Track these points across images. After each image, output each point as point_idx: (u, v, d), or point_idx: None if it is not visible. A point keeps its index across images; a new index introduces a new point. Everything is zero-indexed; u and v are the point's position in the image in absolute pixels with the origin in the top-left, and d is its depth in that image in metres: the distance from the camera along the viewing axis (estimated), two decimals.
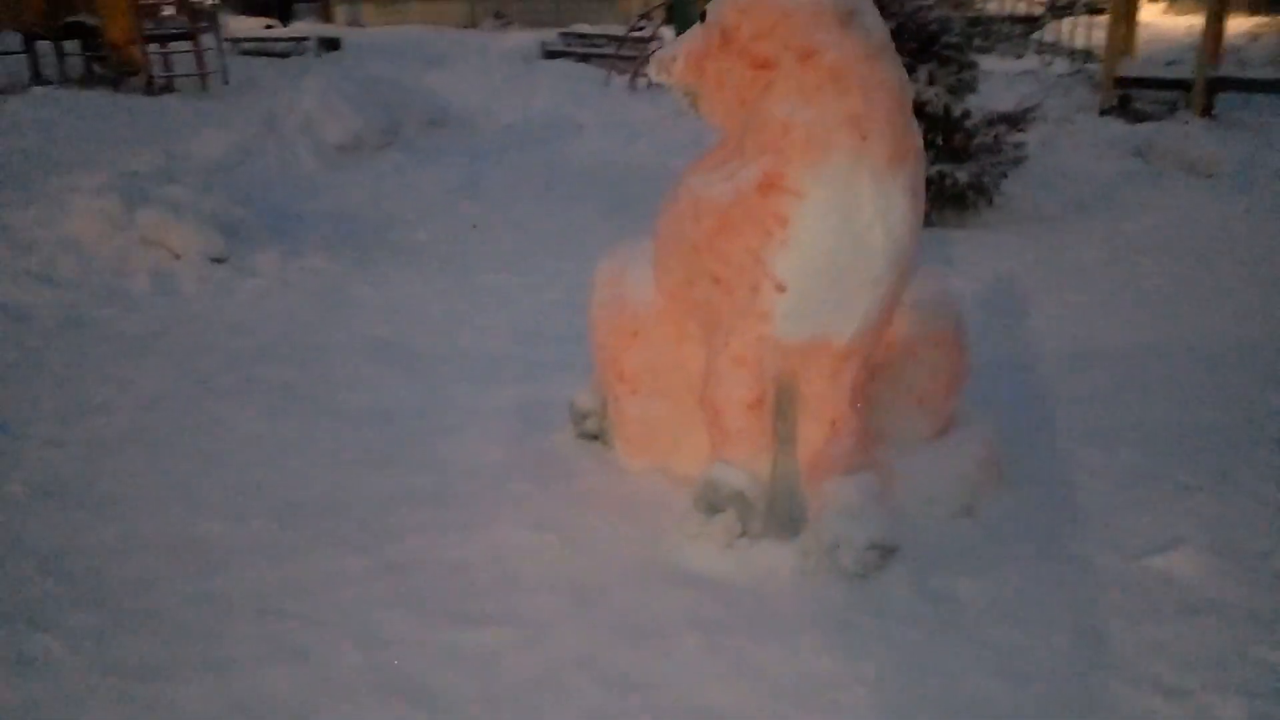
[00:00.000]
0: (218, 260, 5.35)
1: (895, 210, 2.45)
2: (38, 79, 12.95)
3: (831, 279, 2.47)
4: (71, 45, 13.23)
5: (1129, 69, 9.94)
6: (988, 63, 12.93)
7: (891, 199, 2.43)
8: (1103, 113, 9.59)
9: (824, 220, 2.41)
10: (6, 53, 13.02)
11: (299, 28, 24.20)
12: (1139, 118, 9.33)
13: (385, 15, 27.06)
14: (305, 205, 6.69)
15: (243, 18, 26.74)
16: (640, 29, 13.89)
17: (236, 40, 17.06)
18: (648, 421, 2.96)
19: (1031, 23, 14.67)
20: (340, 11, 28.10)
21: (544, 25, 21.39)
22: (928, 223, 5.73)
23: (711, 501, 2.64)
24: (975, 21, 6.20)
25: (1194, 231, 5.76)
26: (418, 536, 2.75)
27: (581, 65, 13.72)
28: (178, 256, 5.34)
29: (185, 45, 13.09)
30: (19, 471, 3.18)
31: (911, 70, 5.85)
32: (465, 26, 25.55)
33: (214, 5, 22.10)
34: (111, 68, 12.79)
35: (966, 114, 5.85)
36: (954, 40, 6.07)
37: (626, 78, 12.01)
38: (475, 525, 2.79)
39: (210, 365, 4.10)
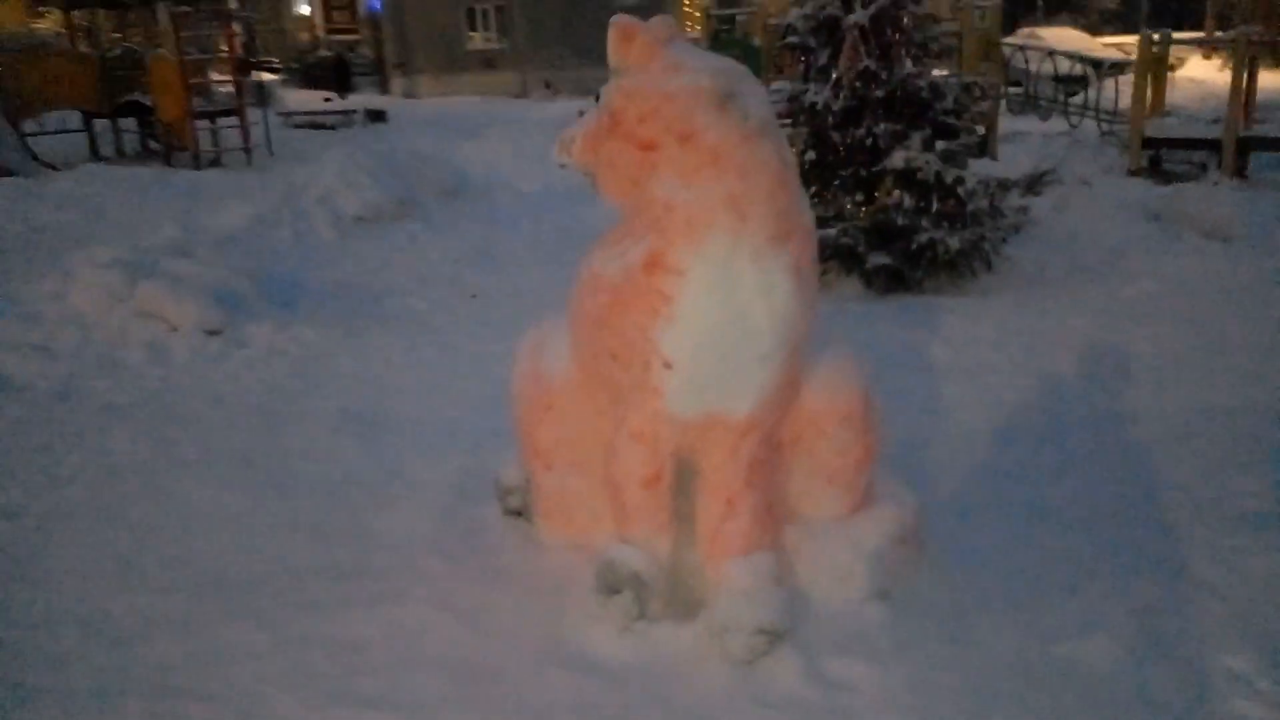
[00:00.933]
0: (212, 332, 5.50)
1: (778, 289, 2.43)
2: (95, 155, 13.61)
3: (717, 356, 2.46)
4: (128, 122, 13.91)
5: (1162, 129, 9.79)
6: (1025, 123, 12.91)
7: (773, 277, 2.42)
8: (1132, 174, 9.44)
9: (706, 298, 2.40)
10: (67, 130, 13.70)
11: (355, 100, 25.03)
12: (1169, 179, 9.16)
13: (440, 86, 27.90)
14: (314, 275, 6.86)
15: (303, 91, 27.84)
16: None
17: (289, 114, 17.71)
18: (564, 496, 2.94)
19: (1076, 83, 14.58)
20: (397, 84, 29.07)
21: (591, 95, 21.82)
22: (918, 290, 5.75)
23: (609, 582, 2.60)
24: (969, 89, 6.15)
25: (1196, 297, 5.60)
26: (324, 612, 2.76)
27: None
28: (175, 329, 5.50)
29: (235, 120, 13.64)
30: None
31: (904, 137, 5.86)
32: (517, 96, 26.28)
33: (268, 82, 23.07)
34: (163, 143, 13.40)
35: (960, 180, 5.80)
36: (950, 107, 6.06)
37: None
38: (383, 601, 2.80)
39: (180, 435, 4.19)
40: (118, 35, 14.40)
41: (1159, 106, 10.13)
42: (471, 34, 28.41)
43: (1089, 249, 6.61)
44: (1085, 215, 7.28)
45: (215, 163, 13.14)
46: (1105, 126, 11.28)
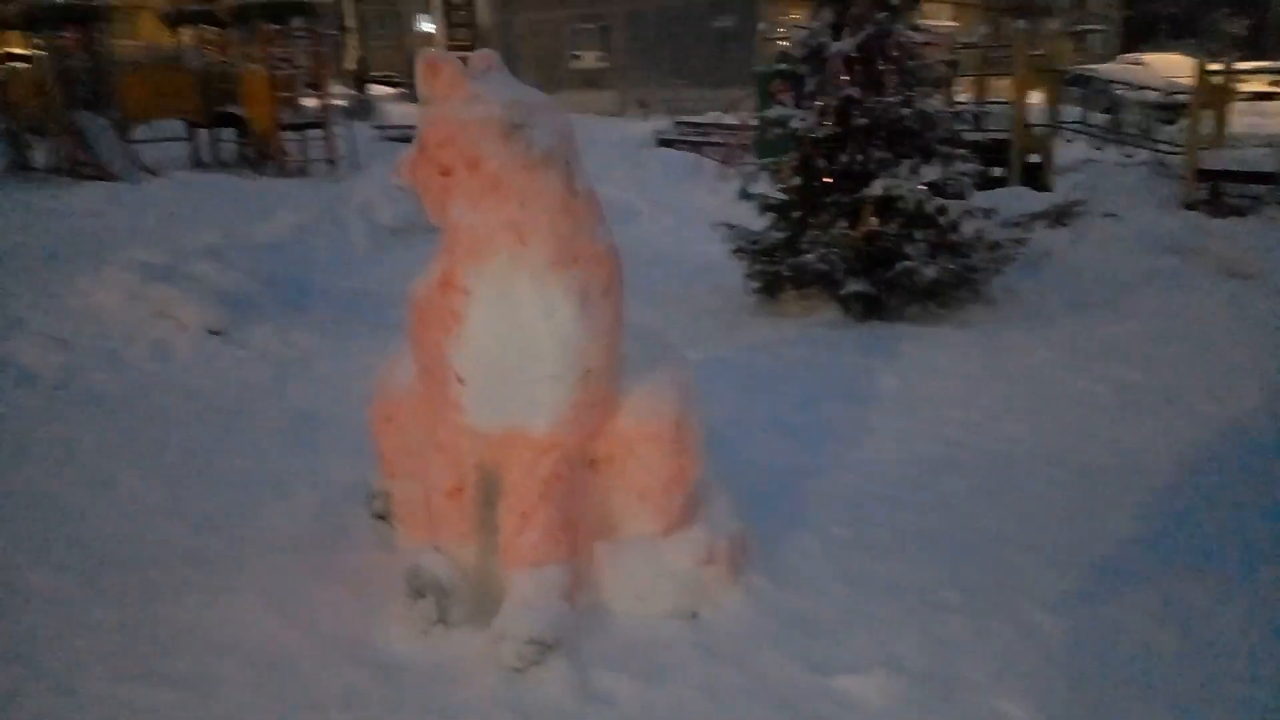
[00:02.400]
0: (215, 333, 5.87)
1: (560, 311, 2.54)
2: (197, 162, 14.53)
3: (503, 373, 2.58)
4: (228, 132, 14.78)
5: (1220, 161, 9.36)
6: (1076, 150, 12.38)
7: (554, 300, 2.53)
8: (1187, 207, 9.06)
9: (489, 317, 2.54)
10: (172, 139, 14.66)
11: None
12: (1228, 213, 8.76)
13: None
14: (337, 282, 7.21)
15: (412, 106, 28.87)
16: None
17: (384, 128, 18.45)
18: (409, 502, 3.09)
19: (1170, 111, 13.99)
20: None
21: (685, 114, 22.04)
22: (897, 318, 5.68)
23: (415, 586, 2.74)
24: (958, 117, 6.05)
25: (1180, 338, 5.37)
26: (172, 597, 2.98)
27: (682, 153, 14.13)
28: (184, 328, 5.91)
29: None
30: None
31: (890, 165, 5.82)
32: (614, 114, 26.68)
33: (375, 96, 24.04)
34: (254, 153, 14.20)
35: (941, 209, 5.72)
36: (944, 136, 5.99)
37: (725, 164, 12.32)
38: (222, 591, 3.00)
39: (145, 428, 4.52)
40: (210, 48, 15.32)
41: (1221, 137, 9.68)
42: (575, 53, 29.03)
43: (1095, 283, 6.40)
44: (1104, 249, 7.04)
45: (301, 172, 13.84)
46: (1157, 157, 10.81)
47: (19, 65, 14.48)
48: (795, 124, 5.97)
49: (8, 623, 2.89)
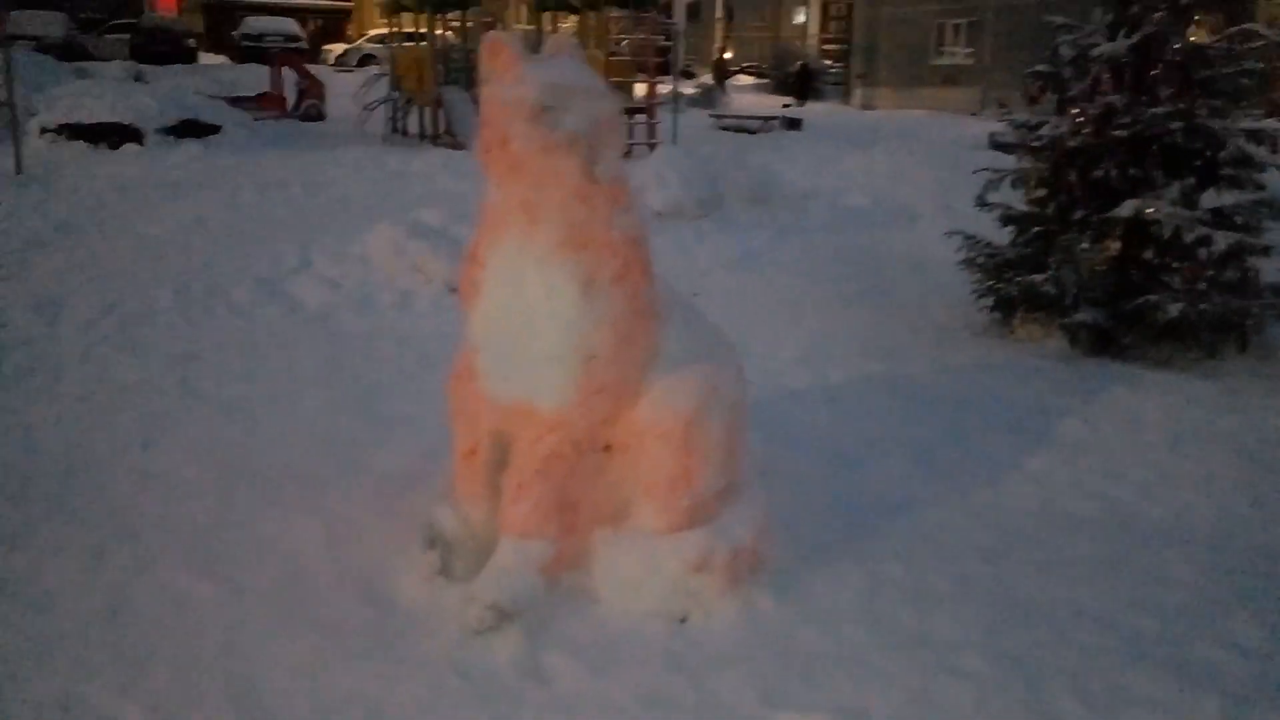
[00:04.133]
0: (454, 290, 6.43)
1: (561, 295, 2.56)
2: None
3: (509, 348, 2.66)
4: None
5: None
6: None
7: (556, 283, 2.56)
8: None
9: (498, 292, 2.63)
10: None
11: (811, 108, 25.82)
12: None
13: (897, 100, 27.78)
14: None
15: (769, 97, 29.28)
16: None
17: (719, 116, 18.92)
18: None
19: None
20: (858, 95, 29.41)
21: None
22: (1128, 357, 4.98)
23: (427, 538, 2.92)
24: (1256, 136, 5.12)
25: None
26: (257, 505, 3.39)
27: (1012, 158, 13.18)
28: (429, 282, 6.54)
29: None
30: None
31: (1153, 184, 5.12)
32: (970, 114, 25.34)
33: (714, 86, 24.59)
34: None
35: (1205, 240, 4.92)
36: (1235, 157, 5.14)
37: None
38: (299, 510, 3.34)
39: (325, 361, 5.05)
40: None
41: None
42: (940, 49, 27.86)
43: None
44: None
45: (624, 155, 14.59)
46: None
47: (409, 45, 16.50)
48: (1048, 131, 5.41)
49: (130, 507, 3.43)
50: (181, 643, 2.63)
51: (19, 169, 10.70)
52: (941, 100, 26.17)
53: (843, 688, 2.50)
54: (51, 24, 24.21)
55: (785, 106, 25.01)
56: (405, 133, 15.92)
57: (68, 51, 22.38)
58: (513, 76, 2.62)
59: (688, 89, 23.14)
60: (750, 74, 38.52)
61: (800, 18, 43.59)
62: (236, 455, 3.86)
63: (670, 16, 23.12)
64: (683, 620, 2.73)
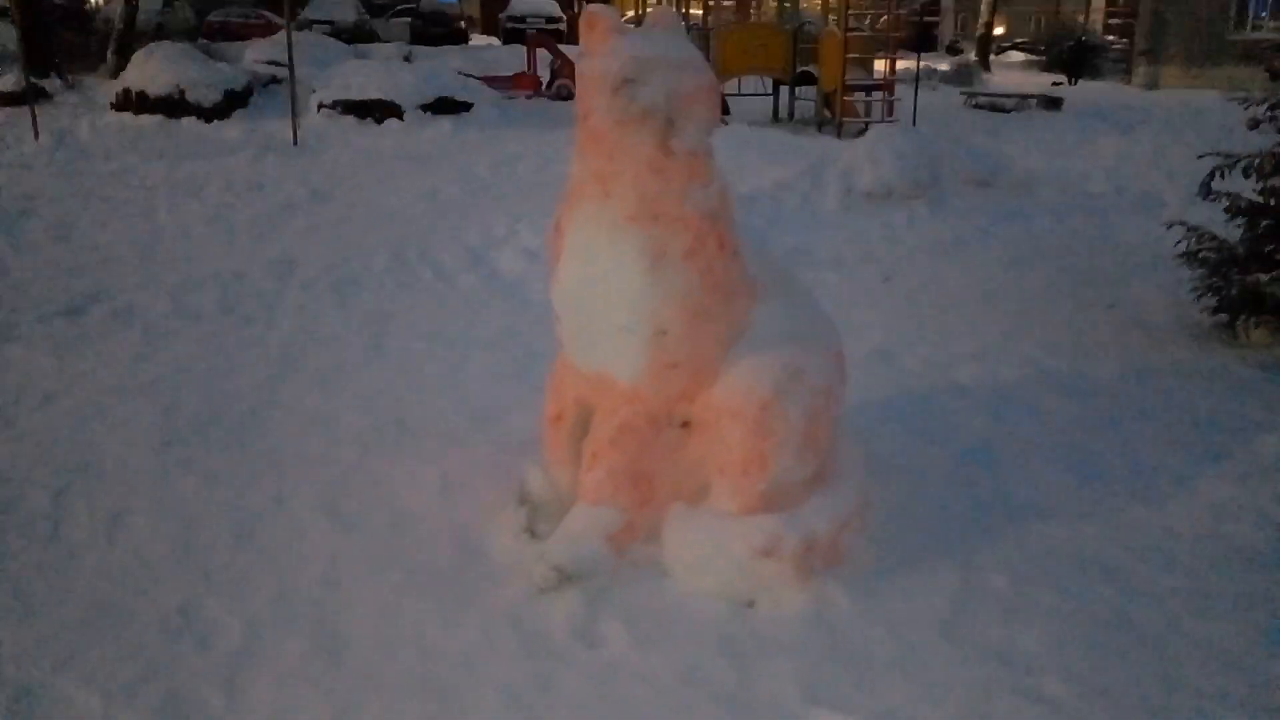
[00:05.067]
0: None
1: (629, 267, 2.57)
2: (775, 118, 15.68)
3: (584, 318, 2.71)
4: (809, 90, 15.65)
5: None
6: None
7: (625, 255, 2.57)
8: None
9: (574, 262, 2.68)
10: (755, 94, 15.97)
11: (1083, 87, 23.98)
12: None
13: (1186, 79, 25.20)
14: (781, 238, 7.49)
15: (1040, 75, 27.43)
16: None
17: (972, 94, 17.94)
18: None
19: None
20: (1140, 73, 26.92)
21: None
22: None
23: (519, 496, 3.03)
24: None
25: None
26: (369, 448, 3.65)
27: None
28: None
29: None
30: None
31: None
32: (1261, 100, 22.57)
33: (970, 63, 23.26)
34: (818, 112, 14.88)
35: None
36: None
37: None
38: (409, 456, 3.56)
39: (496, 332, 5.27)
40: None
41: None
42: (1242, 23, 24.94)
43: None
44: None
45: (861, 133, 14.19)
46: None
47: None
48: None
49: (289, 445, 3.78)
50: (288, 570, 2.90)
51: (295, 140, 11.93)
52: (1240, 80, 23.40)
53: (894, 693, 2.38)
54: (345, 10, 26.66)
55: (1054, 85, 23.27)
56: None
57: (356, 34, 24.56)
58: (604, 49, 2.65)
59: (942, 65, 22.08)
60: (1022, 51, 36.20)
61: None
62: (392, 406, 4.16)
63: None
64: (750, 604, 2.69)
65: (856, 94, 14.34)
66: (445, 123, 13.56)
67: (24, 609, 2.73)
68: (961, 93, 18.02)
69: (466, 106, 14.32)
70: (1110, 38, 32.45)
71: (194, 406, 4.14)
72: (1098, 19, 37.89)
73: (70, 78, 16.60)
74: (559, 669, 2.46)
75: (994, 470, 3.61)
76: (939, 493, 3.39)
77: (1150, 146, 11.40)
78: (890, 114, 14.12)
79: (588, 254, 2.66)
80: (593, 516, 2.76)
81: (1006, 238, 7.56)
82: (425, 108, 13.90)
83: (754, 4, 18.03)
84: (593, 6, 2.76)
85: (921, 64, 19.61)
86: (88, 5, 22.12)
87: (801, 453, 2.76)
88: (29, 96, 12.57)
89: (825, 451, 2.88)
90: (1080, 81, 25.25)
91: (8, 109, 13.43)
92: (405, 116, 13.63)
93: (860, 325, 5.42)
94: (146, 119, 13.32)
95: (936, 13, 35.01)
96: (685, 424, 2.81)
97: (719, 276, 2.68)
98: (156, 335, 5.13)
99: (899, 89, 14.96)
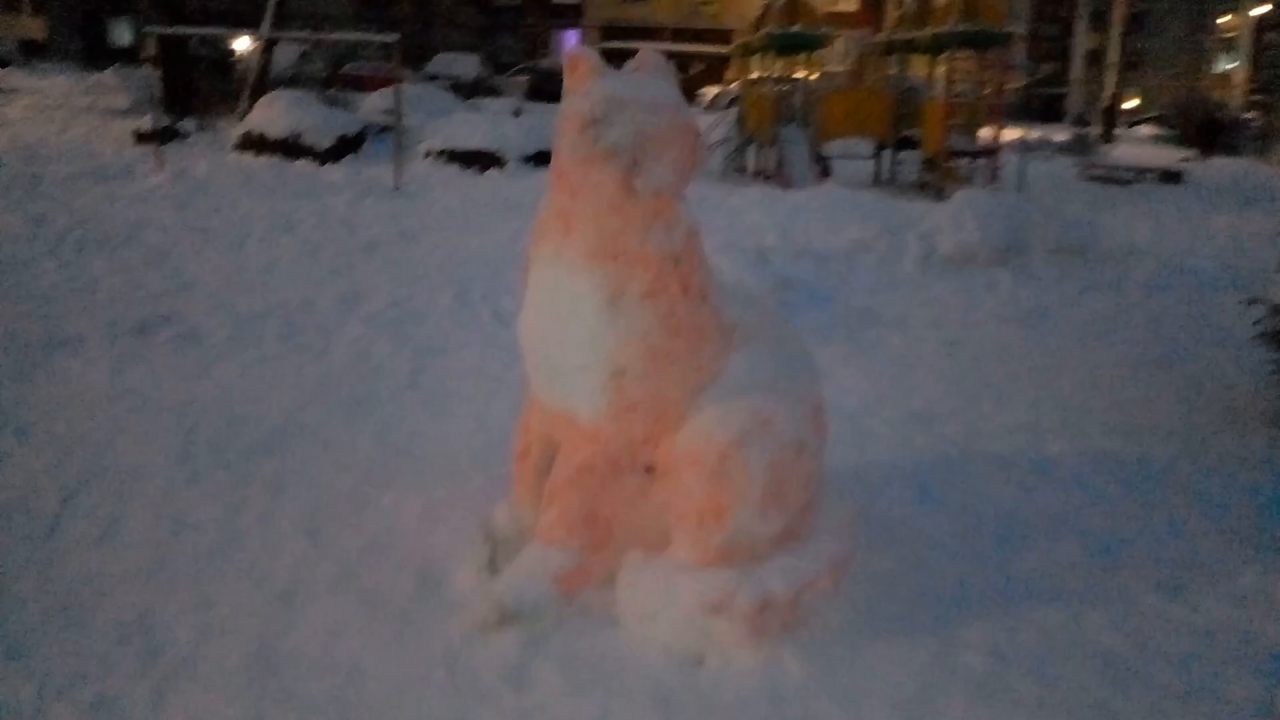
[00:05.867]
0: None
1: (586, 305, 2.52)
2: (876, 180, 15.52)
3: (543, 353, 2.66)
4: (910, 154, 15.45)
5: None
6: None
7: (583, 293, 2.53)
8: None
9: (534, 297, 2.64)
10: (858, 156, 15.85)
11: (1214, 164, 23.01)
12: None
13: None
14: (852, 297, 7.33)
15: (1165, 149, 26.43)
16: None
17: (1091, 166, 17.39)
18: None
19: None
20: (1278, 150, 25.66)
21: None
22: None
23: (483, 532, 2.98)
24: None
25: None
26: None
27: None
28: None
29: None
30: None
31: None
32: None
33: (1087, 134, 22.53)
34: (922, 175, 14.65)
35: None
36: None
37: None
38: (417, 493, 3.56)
39: None
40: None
41: None
42: None
43: None
44: None
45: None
46: None
47: (755, 87, 16.94)
48: None
49: (300, 469, 3.83)
50: (251, 586, 2.91)
51: (396, 185, 12.37)
52: None
53: None
54: (468, 66, 27.78)
55: (1182, 160, 22.36)
56: (743, 170, 16.32)
57: (475, 89, 25.54)
58: (582, 89, 2.64)
59: (1059, 135, 21.47)
60: (1155, 125, 35.04)
61: (1225, 64, 38.93)
62: (405, 437, 4.18)
63: (1028, 57, 21.66)
64: (700, 662, 2.56)
65: (960, 160, 14.08)
66: (544, 173, 13.87)
67: (2, 602, 2.81)
68: (1076, 164, 17.48)
69: None
70: (1250, 114, 31.13)
71: (217, 426, 4.24)
72: (1237, 94, 36.47)
73: (205, 120, 17.69)
74: (478, 710, 2.38)
75: (1006, 545, 3.39)
76: (938, 564, 3.20)
77: (1267, 225, 10.80)
78: (994, 180, 13.77)
79: (548, 291, 2.63)
80: (543, 556, 2.69)
81: (1090, 310, 7.22)
82: (527, 159, 14.26)
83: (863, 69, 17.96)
84: (575, 49, 2.76)
85: (1038, 134, 19.19)
86: (233, 55, 23.58)
87: (764, 506, 2.63)
88: (158, 135, 13.43)
89: (797, 507, 2.74)
90: (1213, 158, 24.20)
91: (144, 146, 14.37)
92: (506, 167, 14.00)
93: (909, 388, 5.24)
94: (265, 159, 14.06)
95: (1065, 83, 34.21)
96: (650, 469, 2.72)
97: (681, 319, 2.60)
98: (210, 358, 5.31)
99: (1011, 158, 14.62)
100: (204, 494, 3.55)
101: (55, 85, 24.20)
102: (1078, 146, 20.40)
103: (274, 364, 5.25)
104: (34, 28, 41.10)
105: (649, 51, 2.81)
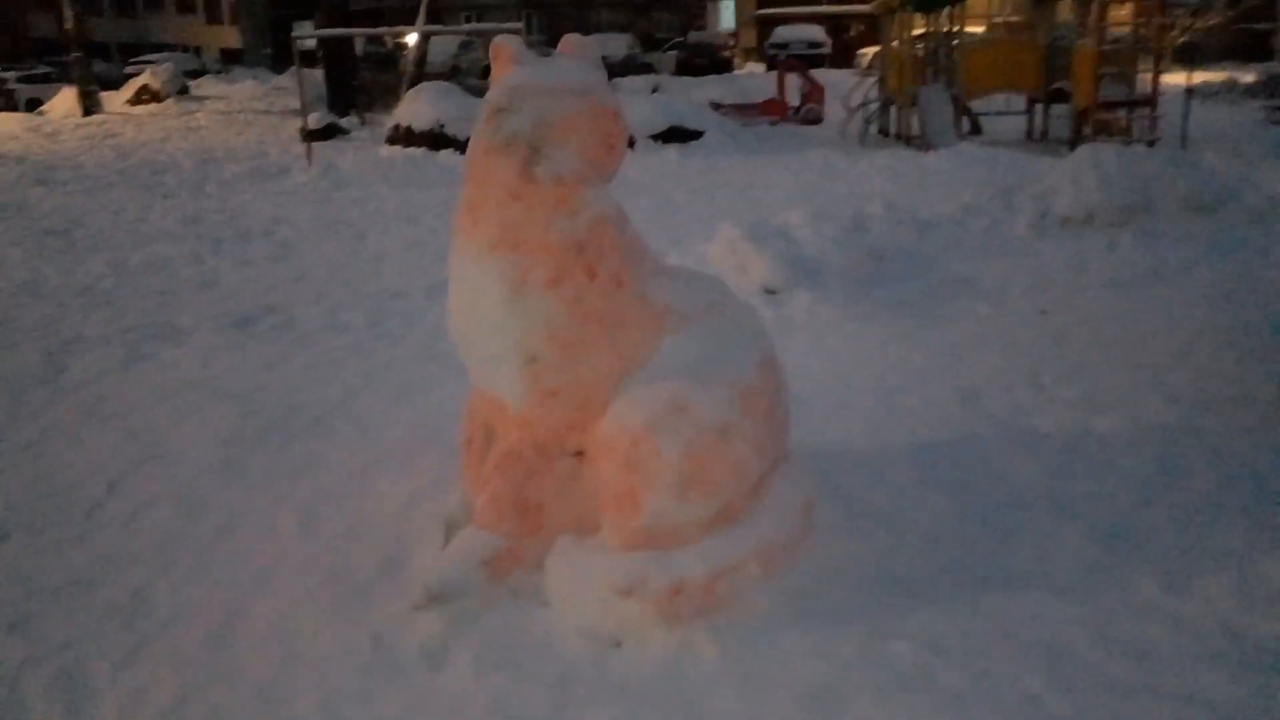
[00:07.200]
0: (770, 292, 6.41)
1: (492, 295, 2.56)
2: (1029, 136, 14.68)
3: (465, 342, 2.72)
4: (1061, 108, 14.49)
5: None
6: None
7: (488, 283, 2.56)
8: None
9: (453, 290, 2.70)
10: (1009, 113, 15.00)
11: None
12: None
13: None
14: (952, 266, 7.00)
15: None
16: None
17: (1276, 108, 15.78)
18: None
19: None
20: None
21: None
22: None
23: (442, 518, 3.09)
24: None
25: None
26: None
27: None
28: (750, 283, 6.58)
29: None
30: None
31: None
32: None
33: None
34: (1073, 130, 13.72)
35: None
36: None
37: None
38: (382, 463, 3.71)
39: None
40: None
41: None
42: None
43: None
44: None
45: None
46: None
47: (895, 45, 16.27)
48: None
49: (305, 468, 4.06)
50: (235, 566, 3.13)
51: None
52: None
53: None
54: (616, 46, 28.02)
55: None
56: (885, 133, 15.79)
57: (624, 69, 25.74)
58: (499, 78, 2.68)
59: (1247, 77, 19.44)
60: None
61: None
62: (441, 422, 4.27)
63: None
64: (617, 645, 2.58)
65: (1117, 110, 13.09)
66: (672, 151, 13.89)
67: (22, 577, 3.16)
68: (1263, 107, 15.90)
69: (697, 135, 14.59)
70: None
71: (271, 411, 4.55)
72: None
73: (367, 115, 18.71)
74: (386, 687, 2.48)
75: (1000, 531, 3.20)
76: (910, 550, 3.06)
77: None
78: (1154, 132, 12.73)
79: (461, 281, 2.69)
80: (474, 541, 2.77)
81: (1214, 273, 6.61)
82: (656, 136, 14.31)
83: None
84: (499, 37, 2.79)
85: (1225, 75, 17.60)
86: (402, 50, 24.84)
87: (684, 492, 2.60)
88: (317, 133, 14.32)
89: (730, 492, 2.70)
90: None
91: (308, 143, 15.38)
92: (636, 145, 14.09)
93: (969, 362, 5.00)
94: (412, 151, 14.72)
95: (1271, 18, 30.92)
96: (579, 454, 2.75)
97: (592, 306, 2.60)
98: (298, 346, 5.66)
99: (1191, 105, 13.43)
100: (232, 478, 3.83)
101: (242, 90, 26.18)
102: (1271, 88, 18.46)
103: (351, 350, 5.55)
104: (231, 37, 44.52)
105: (574, 37, 2.81)
